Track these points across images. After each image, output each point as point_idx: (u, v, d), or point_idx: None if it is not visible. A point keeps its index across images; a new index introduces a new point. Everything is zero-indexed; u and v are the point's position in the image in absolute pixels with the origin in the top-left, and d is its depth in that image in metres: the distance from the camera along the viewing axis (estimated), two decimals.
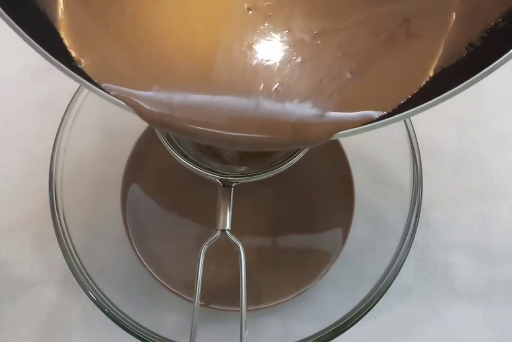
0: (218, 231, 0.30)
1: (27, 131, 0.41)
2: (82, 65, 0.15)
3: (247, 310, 0.28)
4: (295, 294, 0.36)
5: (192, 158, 0.31)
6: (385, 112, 0.17)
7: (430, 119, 0.42)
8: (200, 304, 0.28)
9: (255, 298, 0.35)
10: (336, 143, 0.39)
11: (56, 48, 0.16)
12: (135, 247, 0.37)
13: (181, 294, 0.36)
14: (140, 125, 0.39)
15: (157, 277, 0.36)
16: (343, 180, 0.38)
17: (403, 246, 0.32)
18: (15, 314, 0.37)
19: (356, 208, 0.38)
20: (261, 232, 0.37)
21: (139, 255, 0.36)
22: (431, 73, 0.19)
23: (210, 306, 0.35)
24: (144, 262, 0.36)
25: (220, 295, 0.35)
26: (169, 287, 0.36)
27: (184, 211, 0.37)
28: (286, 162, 0.29)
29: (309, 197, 0.38)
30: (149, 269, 0.36)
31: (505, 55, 0.16)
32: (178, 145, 0.31)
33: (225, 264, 0.36)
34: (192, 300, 0.29)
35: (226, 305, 0.35)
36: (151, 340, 0.30)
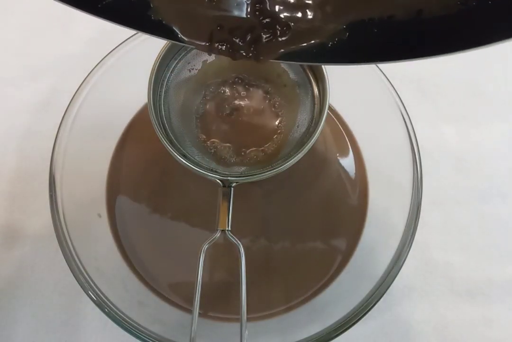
0: (218, 231, 0.30)
1: (27, 131, 0.41)
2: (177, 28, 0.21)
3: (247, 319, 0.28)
4: (296, 303, 0.36)
5: (192, 158, 0.31)
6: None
7: (430, 119, 0.42)
8: (198, 313, 0.28)
9: (252, 307, 0.34)
10: (353, 147, 0.38)
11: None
12: (128, 255, 0.36)
13: (180, 304, 0.35)
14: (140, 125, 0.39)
15: (158, 291, 0.36)
16: (357, 184, 0.38)
17: (403, 246, 0.32)
18: (15, 313, 0.37)
19: None
20: (264, 234, 0.37)
21: (133, 264, 0.36)
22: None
23: (209, 314, 0.35)
24: (138, 272, 0.36)
25: (218, 303, 0.35)
26: (167, 297, 0.36)
27: (179, 212, 0.37)
28: (286, 163, 0.29)
29: (318, 200, 0.38)
30: (146, 281, 0.36)
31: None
32: (178, 146, 0.31)
33: (222, 271, 0.36)
34: (191, 308, 0.28)
35: (225, 313, 0.35)
36: (151, 340, 0.30)
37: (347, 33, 0.21)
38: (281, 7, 0.21)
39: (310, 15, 0.21)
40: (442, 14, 0.19)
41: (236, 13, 0.21)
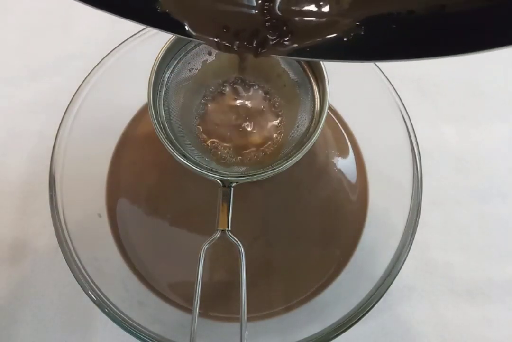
0: (218, 231, 0.30)
1: (27, 131, 0.41)
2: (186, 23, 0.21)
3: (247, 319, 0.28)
4: (296, 303, 0.36)
5: (192, 158, 0.31)
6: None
7: (430, 119, 0.42)
8: (198, 313, 0.28)
9: (252, 307, 0.34)
10: (353, 147, 0.38)
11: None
12: (128, 255, 0.36)
13: (180, 304, 0.35)
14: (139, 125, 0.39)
15: (158, 291, 0.36)
16: (357, 184, 0.38)
17: (403, 246, 0.32)
18: (15, 313, 0.37)
19: None
20: (264, 234, 0.37)
21: (134, 264, 0.36)
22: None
23: (209, 314, 0.35)
24: (138, 272, 0.36)
25: (218, 303, 0.35)
26: (167, 297, 0.36)
27: (179, 212, 0.37)
28: (286, 163, 0.29)
29: (318, 200, 0.38)
30: (146, 281, 0.36)
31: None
32: (178, 146, 0.31)
33: (222, 271, 0.36)
34: (191, 308, 0.29)
35: (225, 313, 0.35)
36: (151, 340, 0.30)
37: (364, 28, 0.20)
38: (295, 2, 0.20)
39: (325, 8, 0.20)
40: (466, 9, 0.18)
41: (245, 8, 0.21)
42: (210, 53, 0.32)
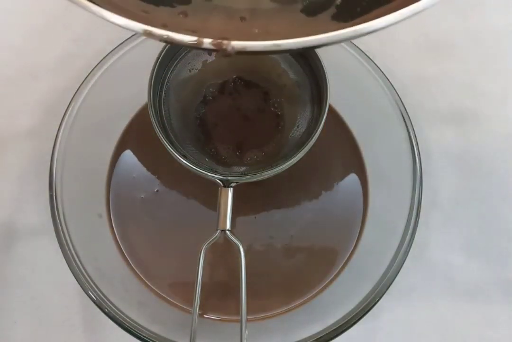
0: (218, 231, 0.31)
1: (27, 131, 0.41)
2: None
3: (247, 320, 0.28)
4: (296, 304, 0.36)
5: (192, 158, 0.31)
6: None
7: (430, 119, 0.42)
8: (198, 313, 0.28)
9: (252, 308, 0.33)
10: (353, 147, 0.38)
11: None
12: (128, 255, 0.36)
13: (180, 304, 0.35)
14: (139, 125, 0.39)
15: (158, 291, 0.36)
16: (357, 184, 0.38)
17: (403, 246, 0.32)
18: (15, 314, 0.37)
19: None
20: (264, 234, 0.37)
21: (133, 264, 0.36)
22: None
23: (207, 316, 0.35)
24: (138, 272, 0.36)
25: (218, 304, 0.35)
26: (167, 297, 0.36)
27: (179, 212, 0.37)
28: (286, 163, 0.29)
29: (318, 200, 0.38)
30: (146, 281, 0.36)
31: None
32: (178, 146, 0.31)
33: (222, 271, 0.36)
34: (190, 308, 0.29)
35: (225, 314, 0.35)
36: (151, 340, 0.30)
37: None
38: None
39: None
40: None
41: None
42: (210, 53, 0.32)
